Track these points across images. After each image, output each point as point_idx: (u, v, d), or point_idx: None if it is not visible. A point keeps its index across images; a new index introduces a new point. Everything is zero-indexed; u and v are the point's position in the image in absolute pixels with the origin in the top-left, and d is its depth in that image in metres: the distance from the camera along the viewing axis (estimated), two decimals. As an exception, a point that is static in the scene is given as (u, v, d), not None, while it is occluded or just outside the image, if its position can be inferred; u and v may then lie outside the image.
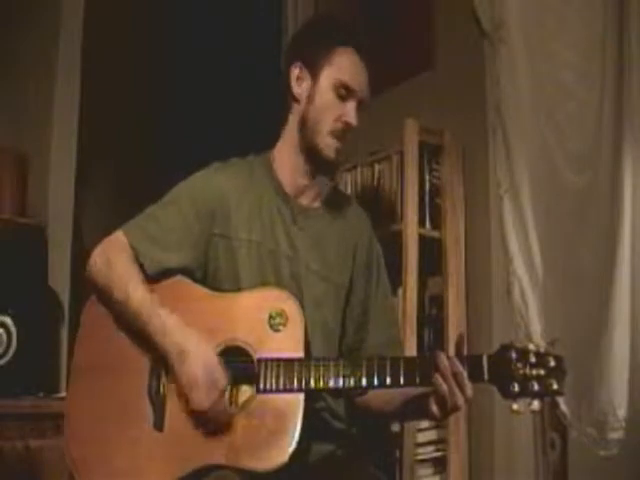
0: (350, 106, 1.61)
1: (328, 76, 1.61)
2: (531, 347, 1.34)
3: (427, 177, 2.46)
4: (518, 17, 2.32)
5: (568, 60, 2.18)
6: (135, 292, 1.48)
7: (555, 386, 1.32)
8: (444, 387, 1.34)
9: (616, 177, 1.98)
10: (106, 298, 1.53)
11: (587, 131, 2.11)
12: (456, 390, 1.34)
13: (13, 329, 2.40)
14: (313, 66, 1.62)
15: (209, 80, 3.96)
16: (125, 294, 1.48)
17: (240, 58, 3.92)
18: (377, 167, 2.56)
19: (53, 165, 2.80)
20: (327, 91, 1.61)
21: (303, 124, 1.63)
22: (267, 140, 1.73)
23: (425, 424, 2.35)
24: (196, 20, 3.92)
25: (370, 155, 2.61)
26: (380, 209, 2.50)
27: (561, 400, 2.04)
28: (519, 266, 2.19)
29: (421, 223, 2.40)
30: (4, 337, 2.38)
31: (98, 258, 1.56)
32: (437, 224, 2.44)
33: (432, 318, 2.45)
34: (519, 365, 1.33)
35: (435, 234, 2.43)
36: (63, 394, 2.40)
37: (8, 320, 2.40)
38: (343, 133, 1.61)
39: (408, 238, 2.34)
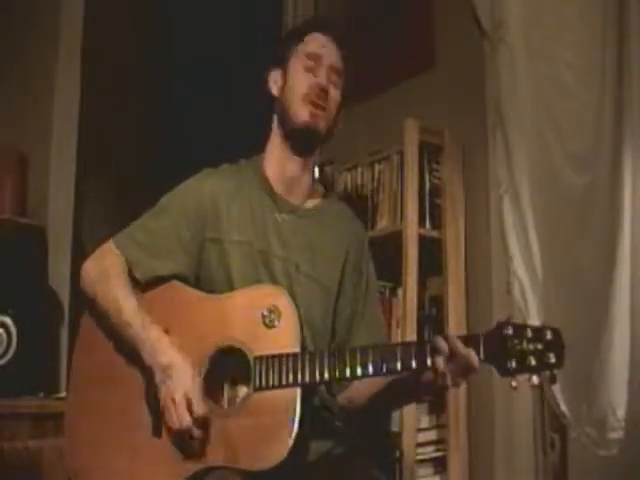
0: (320, 72, 1.62)
1: (296, 58, 1.64)
2: (528, 322, 1.32)
3: (427, 177, 2.46)
4: (518, 17, 2.32)
5: (568, 60, 2.19)
6: (126, 305, 1.49)
7: (553, 360, 1.28)
8: (444, 367, 1.30)
9: (616, 177, 1.99)
10: (98, 309, 1.54)
11: (587, 131, 2.11)
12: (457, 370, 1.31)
13: (13, 329, 2.39)
14: (284, 61, 1.65)
15: (209, 81, 3.95)
16: (117, 307, 1.50)
17: (240, 59, 3.91)
18: (377, 167, 2.56)
19: (53, 165, 2.79)
20: (296, 69, 1.63)
21: (281, 110, 1.64)
22: (264, 144, 1.72)
23: (425, 424, 2.35)
24: (196, 21, 3.92)
25: (370, 155, 2.61)
26: (380, 209, 2.50)
27: (561, 400, 2.04)
28: (519, 266, 2.19)
29: (421, 223, 2.40)
30: (4, 337, 2.38)
31: (91, 270, 1.57)
32: (437, 224, 2.45)
33: (432, 318, 2.45)
34: (515, 341, 1.29)
35: (435, 234, 2.43)
36: (63, 394, 2.39)
37: (8, 320, 2.39)
38: (317, 98, 1.60)
39: (408, 238, 2.34)
